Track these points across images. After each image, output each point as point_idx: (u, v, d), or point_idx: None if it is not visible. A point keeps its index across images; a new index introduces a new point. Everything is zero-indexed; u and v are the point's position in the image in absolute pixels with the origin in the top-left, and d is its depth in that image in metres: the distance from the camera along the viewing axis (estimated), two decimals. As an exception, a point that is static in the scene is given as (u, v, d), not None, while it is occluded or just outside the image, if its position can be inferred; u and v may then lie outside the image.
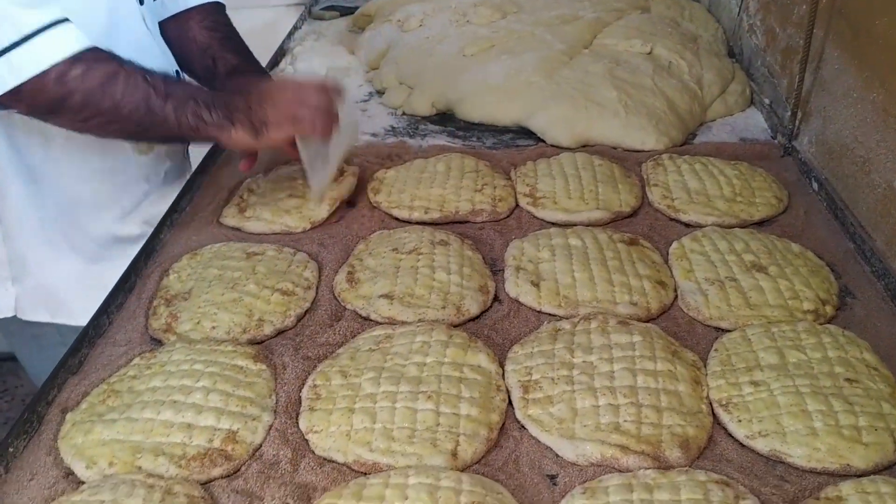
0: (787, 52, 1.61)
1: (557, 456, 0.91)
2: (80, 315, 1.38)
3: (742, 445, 0.91)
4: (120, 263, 1.32)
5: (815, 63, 1.46)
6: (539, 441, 0.93)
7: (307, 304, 1.17)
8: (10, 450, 0.93)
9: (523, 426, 0.95)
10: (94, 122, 1.14)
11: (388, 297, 1.15)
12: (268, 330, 1.11)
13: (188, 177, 1.52)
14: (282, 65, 2.04)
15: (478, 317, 1.14)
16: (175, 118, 1.15)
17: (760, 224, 1.32)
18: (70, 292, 1.38)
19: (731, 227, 1.29)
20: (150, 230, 1.40)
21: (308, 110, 1.22)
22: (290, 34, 2.24)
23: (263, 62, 2.00)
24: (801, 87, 1.48)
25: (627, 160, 1.51)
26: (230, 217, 1.38)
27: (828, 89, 1.43)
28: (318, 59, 2.06)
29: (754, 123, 1.68)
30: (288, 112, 1.20)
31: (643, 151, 1.55)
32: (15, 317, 1.41)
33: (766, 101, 1.69)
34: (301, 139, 1.26)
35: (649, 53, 1.79)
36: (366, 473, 0.89)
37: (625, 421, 0.92)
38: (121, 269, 1.32)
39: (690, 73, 1.73)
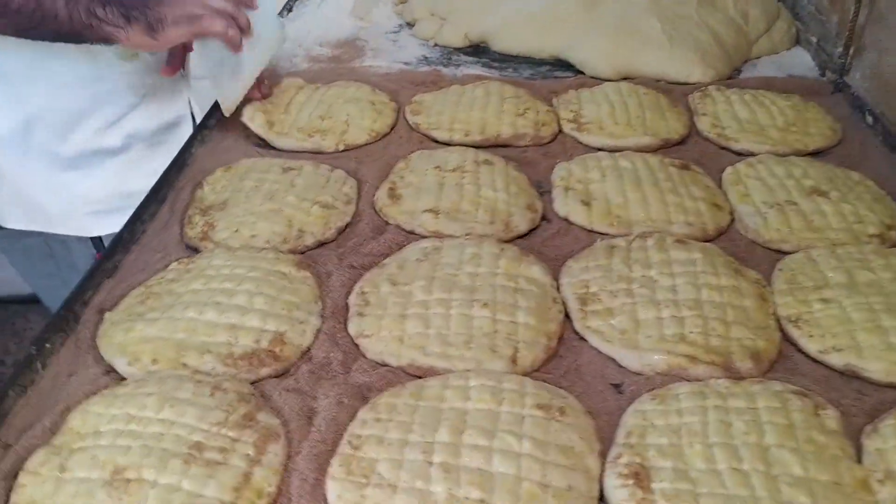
0: (839, -12, 1.55)
1: (620, 366, 0.87)
2: (57, 223, 1.37)
3: (814, 361, 0.88)
4: (98, 173, 1.30)
5: (871, -4, 1.41)
6: (600, 352, 0.89)
7: (347, 218, 1.12)
8: (47, 346, 0.89)
9: (583, 337, 0.91)
10: None
11: (433, 211, 1.10)
12: (308, 241, 1.07)
13: (185, 95, 1.45)
14: (307, -6, 1.98)
15: (526, 234, 1.10)
16: (67, 13, 1.09)
17: (815, 155, 1.27)
18: (45, 198, 1.34)
19: (785, 155, 1.24)
20: (134, 143, 1.35)
21: (207, 10, 1.17)
22: (316, -34, 2.16)
23: (289, -8, 1.95)
24: (854, 21, 1.43)
25: (672, 92, 1.46)
26: (258, 126, 1.31)
27: (884, 22, 1.37)
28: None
29: (801, 62, 1.63)
30: (186, 10, 1.16)
31: (688, 84, 1.50)
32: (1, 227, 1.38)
33: (814, 39, 1.64)
34: (199, 44, 1.21)
35: (692, -12, 1.73)
36: (421, 377, 0.85)
37: (691, 332, 0.88)
38: (99, 178, 1.29)
39: (735, 7, 1.67)
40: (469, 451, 0.72)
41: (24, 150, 1.31)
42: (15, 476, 0.73)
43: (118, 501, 0.68)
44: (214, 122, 1.39)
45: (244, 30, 1.23)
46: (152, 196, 1.16)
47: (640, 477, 0.71)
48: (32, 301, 1.68)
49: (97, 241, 1.41)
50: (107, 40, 1.15)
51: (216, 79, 1.25)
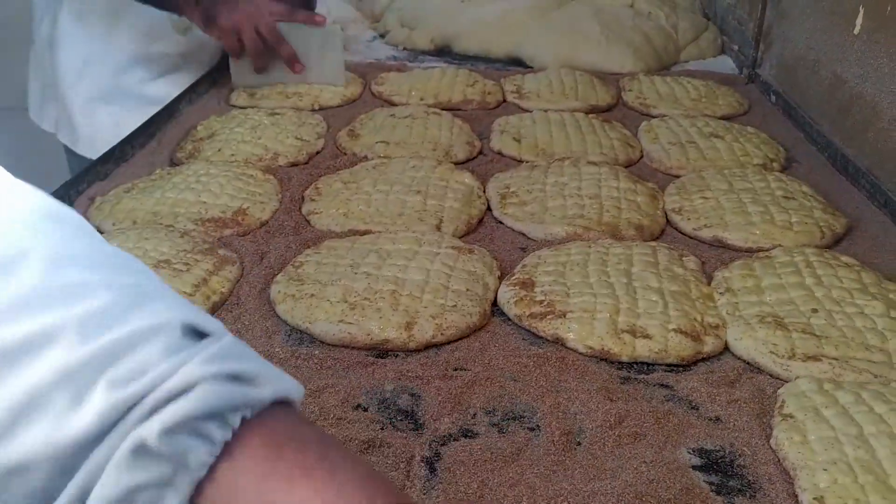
0: (755, 0, 1.78)
1: (529, 238, 1.04)
2: (83, 145, 1.56)
3: (690, 237, 1.04)
4: (131, 107, 1.49)
5: (777, 0, 1.64)
6: (514, 230, 1.06)
7: (318, 148, 1.30)
8: (46, 212, 1.05)
9: (500, 222, 1.08)
10: None
11: (384, 142, 1.28)
12: (282, 162, 1.24)
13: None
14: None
15: (464, 163, 1.27)
16: None
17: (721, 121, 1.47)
18: (82, 121, 1.55)
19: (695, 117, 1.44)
20: (166, 99, 1.53)
21: (248, 32, 1.43)
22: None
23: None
24: (762, 20, 1.65)
25: (606, 78, 1.67)
26: (241, 100, 1.51)
27: (787, 17, 1.59)
28: (323, 10, 2.22)
29: (724, 65, 1.85)
30: (234, 21, 1.42)
31: (621, 74, 1.71)
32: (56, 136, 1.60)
33: (735, 46, 1.86)
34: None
35: (631, 6, 1.97)
36: (359, 239, 1.01)
37: (588, 212, 1.05)
38: (131, 112, 1.45)
39: (667, 20, 1.91)
40: (389, 267, 0.88)
41: (79, 79, 1.53)
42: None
43: (98, 288, 0.83)
44: (205, 89, 1.58)
45: (284, 57, 1.49)
46: (143, 129, 1.34)
47: (525, 284, 0.87)
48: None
49: None
50: (176, 10, 1.42)
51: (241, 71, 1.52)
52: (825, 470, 0.62)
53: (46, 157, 1.95)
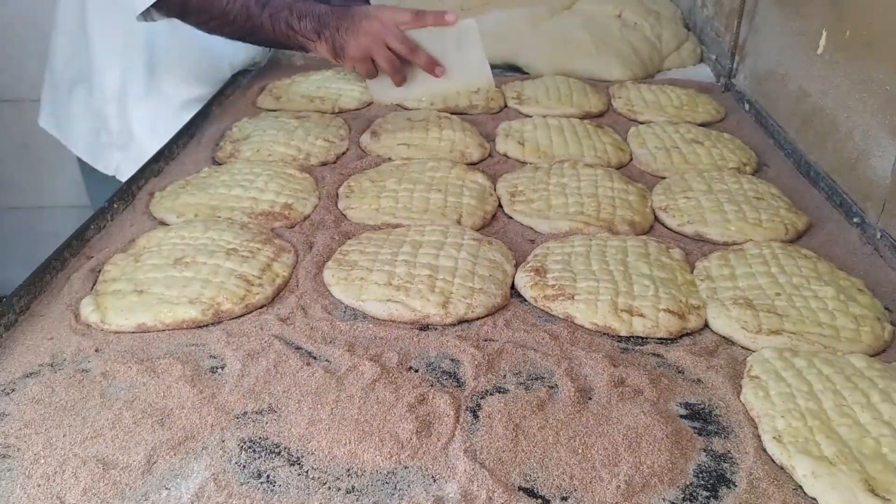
0: (731, 14, 1.96)
1: (536, 232, 1.20)
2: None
3: (675, 232, 1.21)
4: None
5: (751, 17, 1.81)
6: (522, 224, 1.22)
7: (344, 148, 1.45)
8: (115, 205, 1.20)
9: (510, 217, 1.24)
10: (212, 24, 1.41)
11: (405, 144, 1.44)
12: (313, 161, 1.39)
13: None
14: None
15: (476, 163, 1.43)
16: (270, 25, 1.38)
17: (702, 126, 1.64)
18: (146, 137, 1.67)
19: (677, 124, 1.61)
20: None
21: (381, 50, 1.36)
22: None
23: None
24: (738, 34, 1.82)
25: (597, 86, 1.84)
26: (267, 103, 1.66)
27: (760, 32, 1.77)
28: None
29: (703, 73, 2.02)
30: (362, 46, 1.37)
31: (611, 81, 1.88)
32: (114, 177, 1.71)
33: (713, 56, 2.04)
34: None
35: (619, 16, 2.13)
36: (391, 231, 1.17)
37: (587, 209, 1.22)
38: None
39: (651, 31, 2.08)
40: (423, 255, 1.05)
41: (154, 135, 1.62)
42: (100, 271, 1.04)
43: (182, 272, 0.99)
44: (231, 91, 1.73)
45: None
46: (184, 131, 1.49)
47: (538, 271, 1.04)
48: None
49: None
50: (303, 48, 1.42)
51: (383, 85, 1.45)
52: (782, 417, 0.79)
53: (51, 149, 2.05)
